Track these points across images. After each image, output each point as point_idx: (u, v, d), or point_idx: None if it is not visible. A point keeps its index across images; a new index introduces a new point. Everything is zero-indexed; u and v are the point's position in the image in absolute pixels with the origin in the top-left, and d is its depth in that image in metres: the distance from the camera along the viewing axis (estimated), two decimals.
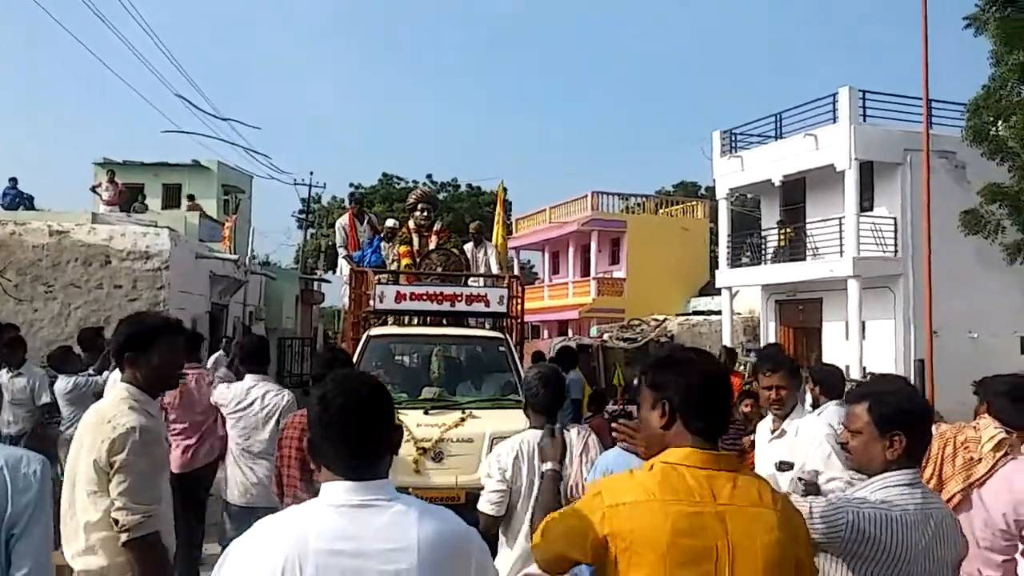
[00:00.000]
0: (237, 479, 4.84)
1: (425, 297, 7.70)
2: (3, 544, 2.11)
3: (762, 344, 17.57)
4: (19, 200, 17.38)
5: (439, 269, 8.62)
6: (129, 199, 19.59)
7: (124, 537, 2.59)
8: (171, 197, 23.43)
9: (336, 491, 1.65)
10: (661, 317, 19.95)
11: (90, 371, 6.64)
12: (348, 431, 1.68)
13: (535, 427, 3.41)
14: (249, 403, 4.83)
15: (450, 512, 1.73)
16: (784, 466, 3.64)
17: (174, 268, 12.84)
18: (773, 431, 3.93)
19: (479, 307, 7.82)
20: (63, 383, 6.43)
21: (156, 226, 13.65)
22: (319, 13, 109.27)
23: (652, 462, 1.84)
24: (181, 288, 13.26)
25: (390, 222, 11.72)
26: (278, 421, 4.74)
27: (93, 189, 19.48)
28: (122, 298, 12.17)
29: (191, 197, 21.19)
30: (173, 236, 13.23)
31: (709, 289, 25.68)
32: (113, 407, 2.80)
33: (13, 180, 17.88)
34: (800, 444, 3.68)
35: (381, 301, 7.64)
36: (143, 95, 54.50)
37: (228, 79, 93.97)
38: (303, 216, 39.30)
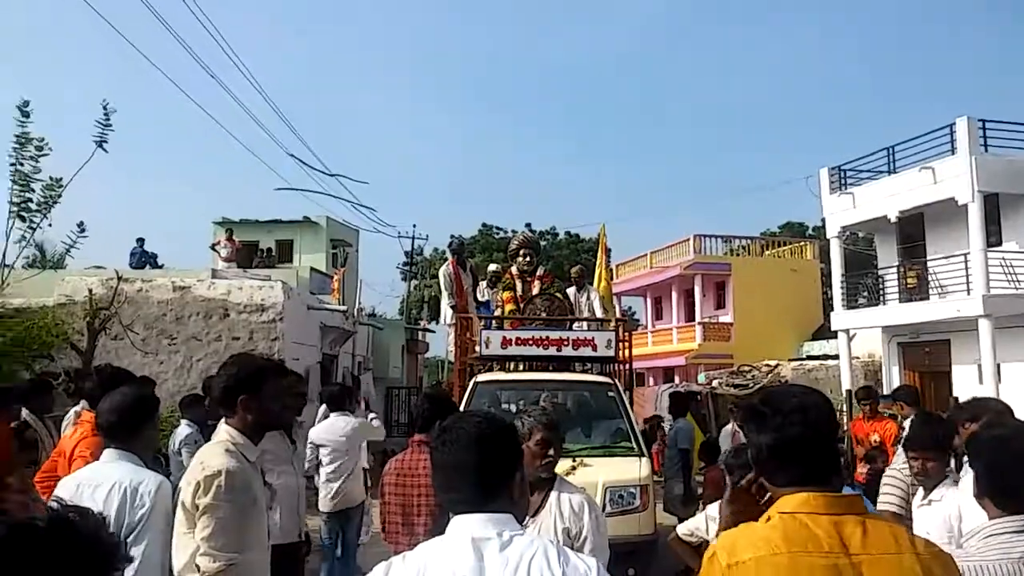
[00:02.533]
0: (339, 493, 6.32)
1: (531, 342, 7.64)
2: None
3: (886, 390, 16.58)
4: (145, 259, 18.50)
5: (543, 314, 8.56)
6: (245, 255, 20.52)
7: None
8: (284, 252, 24.46)
9: (459, 525, 1.68)
10: (773, 362, 19.21)
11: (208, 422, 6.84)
12: (464, 463, 1.70)
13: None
14: (342, 434, 6.39)
15: (572, 552, 1.69)
16: None
17: (287, 320, 13.28)
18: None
19: (586, 351, 7.70)
20: (184, 431, 6.65)
21: (270, 280, 14.21)
22: (420, 69, 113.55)
23: (768, 514, 1.68)
24: (294, 339, 13.69)
25: (492, 267, 11.79)
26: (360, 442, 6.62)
27: (212, 247, 20.55)
28: (240, 349, 12.64)
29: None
30: (286, 289, 13.72)
31: (823, 332, 24.58)
32: (209, 449, 2.86)
33: (140, 241, 19.08)
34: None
35: (487, 347, 7.62)
36: (258, 155, 57.72)
37: (336, 134, 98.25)
38: (407, 268, 40.30)
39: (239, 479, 2.70)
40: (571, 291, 10.07)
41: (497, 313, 9.42)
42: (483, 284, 10.76)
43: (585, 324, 9.10)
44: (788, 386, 1.95)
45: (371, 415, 8.00)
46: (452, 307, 10.56)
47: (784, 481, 1.68)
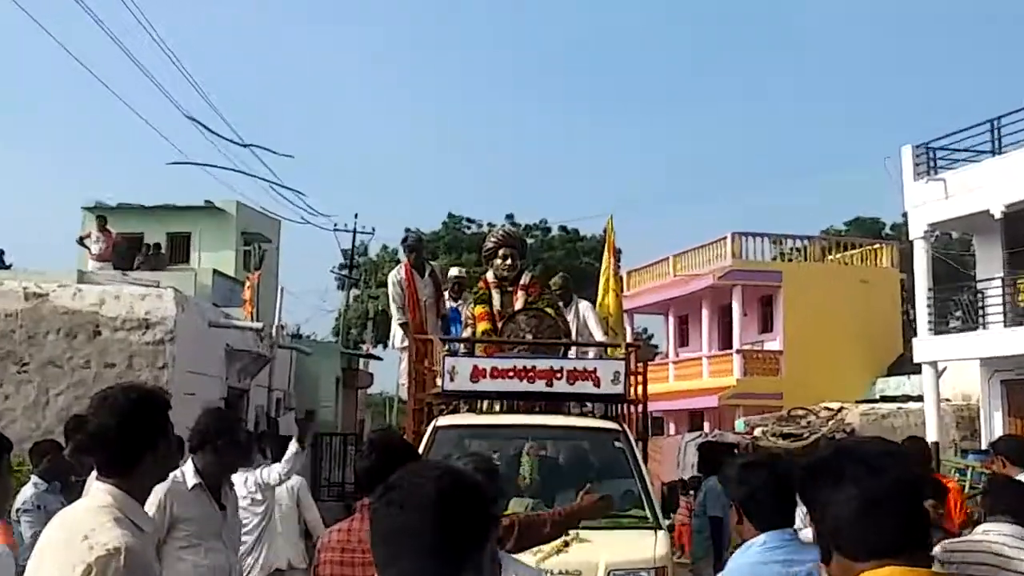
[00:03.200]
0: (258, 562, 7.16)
1: (512, 373, 7.66)
2: None
3: (983, 442, 16.72)
4: None
5: (529, 336, 8.57)
6: (125, 253, 20.41)
7: None
8: (178, 249, 24.35)
9: None
10: (836, 405, 19.36)
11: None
12: (416, 529, 1.68)
13: None
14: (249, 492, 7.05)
15: None
16: None
17: (181, 340, 13.20)
18: None
19: (586, 387, 7.72)
20: (28, 491, 6.55)
21: (159, 286, 14.12)
22: (366, 28, 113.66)
23: None
24: (189, 367, 13.60)
25: (454, 271, 11.83)
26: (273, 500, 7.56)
27: (81, 241, 20.40)
28: (115, 379, 12.54)
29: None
30: (179, 299, 13.64)
31: (903, 366, 24.84)
32: (90, 517, 2.75)
33: None
34: None
35: (452, 379, 7.62)
36: (143, 116, 56.18)
37: (255, 102, 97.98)
38: (345, 272, 40.21)
39: (139, 560, 2.65)
40: None
41: (467, 333, 9.43)
42: (445, 295, 10.80)
43: (585, 351, 9.13)
44: (856, 438, 2.03)
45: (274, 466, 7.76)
46: (402, 325, 10.55)
47: (866, 552, 1.73)
